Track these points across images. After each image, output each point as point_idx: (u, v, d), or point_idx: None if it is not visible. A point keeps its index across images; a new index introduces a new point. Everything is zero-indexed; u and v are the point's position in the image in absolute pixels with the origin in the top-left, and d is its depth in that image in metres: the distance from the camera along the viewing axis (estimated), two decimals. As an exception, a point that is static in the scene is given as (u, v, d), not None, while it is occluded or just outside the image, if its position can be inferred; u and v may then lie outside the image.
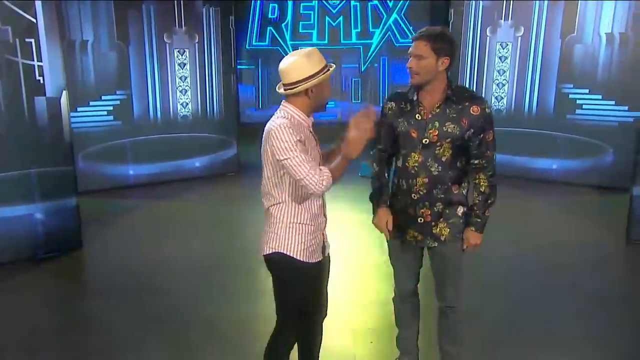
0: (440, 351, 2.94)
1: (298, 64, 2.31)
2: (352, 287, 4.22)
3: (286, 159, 2.27)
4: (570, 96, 6.91)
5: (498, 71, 7.25)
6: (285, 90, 2.36)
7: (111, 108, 6.86)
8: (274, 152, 2.29)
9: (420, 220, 2.64)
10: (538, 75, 7.06)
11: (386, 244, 2.87)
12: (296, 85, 2.32)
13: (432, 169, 2.57)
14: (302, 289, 2.49)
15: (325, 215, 2.53)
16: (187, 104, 7.37)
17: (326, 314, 2.70)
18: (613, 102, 6.69)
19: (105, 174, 6.84)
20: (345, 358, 3.28)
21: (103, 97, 6.78)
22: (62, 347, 3.50)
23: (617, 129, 6.70)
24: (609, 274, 4.60)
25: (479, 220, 2.64)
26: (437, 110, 2.55)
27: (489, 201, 2.64)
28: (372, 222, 2.79)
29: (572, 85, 6.90)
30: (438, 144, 2.54)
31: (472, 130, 2.53)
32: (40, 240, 4.80)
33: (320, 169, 2.28)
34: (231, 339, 3.54)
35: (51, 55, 4.68)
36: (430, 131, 2.54)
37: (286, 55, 2.41)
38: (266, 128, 2.36)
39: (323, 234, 2.52)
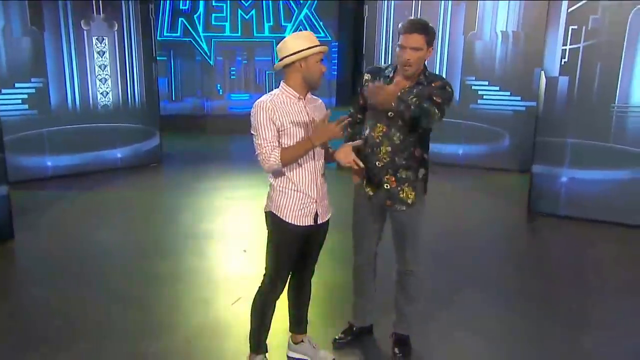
0: (396, 312, 3.23)
1: (287, 41, 2.60)
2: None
3: (253, 135, 2.62)
4: (473, 87, 7.69)
5: (410, 64, 7.84)
6: (277, 65, 2.63)
7: (26, 96, 6.56)
8: (251, 124, 2.61)
9: (387, 186, 2.94)
10: (445, 68, 7.76)
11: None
12: (284, 59, 2.59)
13: (395, 139, 2.87)
14: (288, 248, 2.74)
15: (318, 187, 2.74)
16: (107, 93, 7.19)
17: (313, 273, 2.99)
18: (509, 93, 7.54)
19: (21, 165, 6.50)
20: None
21: (16, 85, 6.46)
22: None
23: (512, 116, 7.57)
24: (517, 239, 5.32)
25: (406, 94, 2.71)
26: (406, 90, 2.80)
27: (423, 105, 2.68)
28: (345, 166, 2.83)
29: (474, 78, 7.67)
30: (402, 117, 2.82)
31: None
32: (-33, 232, 4.58)
33: (273, 150, 2.57)
34: (191, 316, 3.69)
35: (-24, 38, 4.47)
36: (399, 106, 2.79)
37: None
38: None
39: (316, 202, 2.74)
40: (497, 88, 7.58)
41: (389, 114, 2.86)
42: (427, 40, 2.75)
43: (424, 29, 2.75)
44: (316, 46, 2.60)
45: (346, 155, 2.73)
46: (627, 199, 5.31)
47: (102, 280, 4.16)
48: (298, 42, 2.59)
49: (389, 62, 2.96)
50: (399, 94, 2.70)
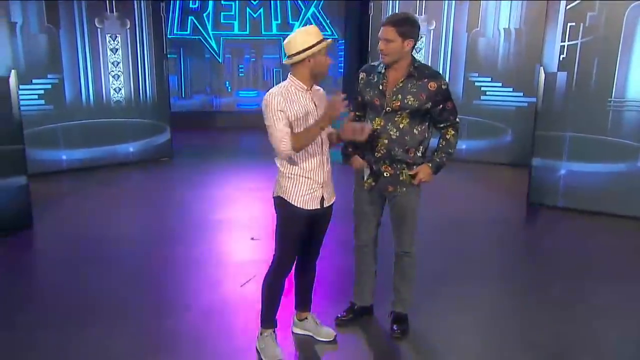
0: (395, 292, 3.43)
1: (296, 38, 2.78)
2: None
3: (267, 125, 2.80)
4: (476, 83, 7.85)
5: (414, 61, 8.01)
6: (287, 60, 2.82)
7: (42, 92, 6.80)
8: (263, 116, 2.79)
9: (386, 174, 3.15)
10: (449, 64, 7.94)
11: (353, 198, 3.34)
12: (295, 56, 2.78)
13: (392, 133, 3.08)
14: (295, 229, 2.94)
15: (324, 173, 2.94)
16: (120, 89, 7.43)
17: (318, 255, 3.19)
18: (511, 89, 7.69)
19: (37, 159, 6.70)
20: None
21: (34, 81, 6.70)
22: (21, 324, 3.57)
23: (515, 112, 7.72)
24: (517, 229, 5.50)
25: (437, 160, 3.15)
26: (401, 85, 3.05)
27: (450, 150, 3.16)
28: (350, 164, 3.25)
29: (477, 74, 7.83)
30: (398, 112, 3.06)
31: (430, 104, 3.06)
32: (-11, 219, 4.81)
33: (286, 135, 2.75)
34: (202, 296, 3.90)
35: (-1, 34, 4.70)
36: (394, 102, 3.05)
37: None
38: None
39: (322, 187, 2.94)
40: (500, 84, 7.73)
41: (387, 109, 3.06)
42: (399, 32, 2.94)
43: (397, 22, 2.96)
44: (323, 41, 2.79)
45: (351, 130, 2.90)
46: (623, 190, 5.46)
47: (116, 265, 4.38)
48: (307, 38, 2.76)
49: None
50: (432, 173, 3.15)
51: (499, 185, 6.96)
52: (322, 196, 2.96)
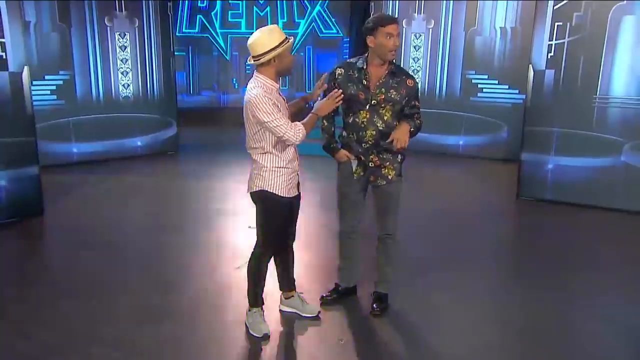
0: (377, 272, 3.67)
1: (261, 39, 2.96)
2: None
3: (268, 121, 2.97)
4: (473, 81, 8.05)
5: (413, 59, 8.26)
6: (254, 61, 3.02)
7: (54, 88, 7.14)
8: (257, 116, 2.97)
9: (371, 164, 3.40)
10: (447, 62, 8.15)
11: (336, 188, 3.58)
12: (261, 57, 2.97)
13: (378, 124, 3.32)
14: (280, 218, 3.21)
15: (298, 160, 3.23)
16: (128, 85, 7.74)
17: (294, 238, 3.45)
18: (507, 86, 7.88)
19: (49, 152, 7.02)
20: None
21: (46, 77, 7.03)
22: (33, 298, 3.87)
23: (510, 109, 7.90)
24: (503, 221, 5.70)
25: (411, 123, 3.33)
26: (383, 80, 3.29)
27: (417, 125, 3.35)
28: (336, 158, 3.48)
29: (474, 72, 8.03)
30: (382, 105, 3.30)
31: (407, 98, 3.32)
32: (2, 206, 5.12)
33: (295, 124, 3.00)
34: (198, 277, 4.18)
35: (13, 33, 5.02)
36: (378, 95, 3.29)
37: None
38: (245, 97, 3.03)
39: (297, 174, 3.23)
40: (496, 81, 7.93)
41: (372, 102, 3.30)
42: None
43: (398, 20, 3.30)
44: (286, 40, 2.98)
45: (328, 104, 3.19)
46: (607, 184, 5.67)
47: (121, 248, 4.68)
48: (271, 38, 2.95)
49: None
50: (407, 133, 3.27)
51: (492, 179, 7.17)
52: (298, 181, 3.24)
